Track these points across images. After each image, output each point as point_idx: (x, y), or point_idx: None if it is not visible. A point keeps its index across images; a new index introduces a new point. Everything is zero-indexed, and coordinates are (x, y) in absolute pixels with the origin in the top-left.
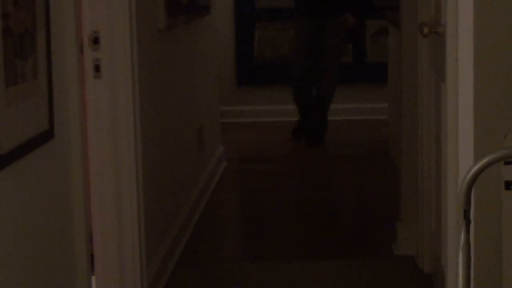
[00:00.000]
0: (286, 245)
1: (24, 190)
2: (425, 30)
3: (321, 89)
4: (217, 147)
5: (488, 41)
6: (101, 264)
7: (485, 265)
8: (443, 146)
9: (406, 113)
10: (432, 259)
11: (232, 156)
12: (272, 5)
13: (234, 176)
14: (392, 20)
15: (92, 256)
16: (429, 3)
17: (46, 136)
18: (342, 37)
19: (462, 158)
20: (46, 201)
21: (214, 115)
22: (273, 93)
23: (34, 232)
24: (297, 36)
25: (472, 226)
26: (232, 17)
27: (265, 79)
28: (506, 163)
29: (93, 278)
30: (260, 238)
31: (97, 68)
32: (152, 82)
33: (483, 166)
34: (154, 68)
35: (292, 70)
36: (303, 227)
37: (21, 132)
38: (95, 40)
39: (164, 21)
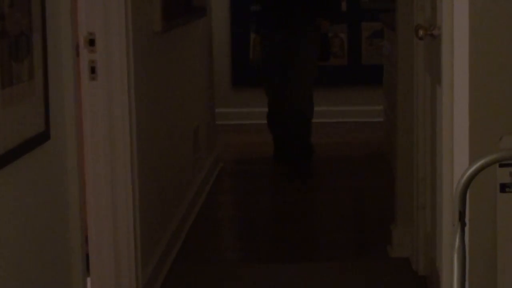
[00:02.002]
0: (281, 246)
1: (20, 191)
2: (421, 32)
3: (299, 105)
4: (213, 148)
5: (483, 44)
6: (96, 266)
7: (480, 267)
8: (438, 148)
9: (401, 115)
10: (427, 261)
11: (228, 157)
12: None
13: (229, 177)
14: (388, 22)
15: (87, 257)
16: (424, 6)
17: (42, 137)
18: (317, 46)
19: (458, 160)
20: (42, 202)
21: (209, 117)
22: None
23: (30, 233)
24: (266, 53)
25: (467, 228)
26: (228, 19)
27: (261, 80)
28: (501, 165)
29: (89, 280)
30: (255, 240)
31: (93, 70)
32: (147, 84)
33: (478, 168)
34: (150, 69)
35: (268, 91)
36: (299, 229)
37: (17, 133)
38: (91, 42)
39: (160, 23)
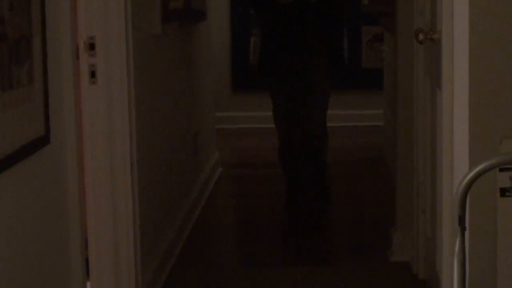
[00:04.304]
0: (281, 250)
1: (20, 195)
2: (421, 36)
3: (313, 132)
4: (213, 153)
5: (483, 48)
6: (96, 270)
7: (480, 271)
8: (438, 152)
9: (401, 119)
10: (427, 265)
11: (227, 162)
12: None
13: (229, 182)
14: (388, 26)
15: (87, 261)
16: (424, 10)
17: (42, 141)
18: (327, 69)
19: (458, 164)
20: (41, 206)
21: (209, 121)
22: (268, 99)
23: (29, 237)
24: (272, 75)
25: (467, 232)
26: (228, 23)
27: (260, 85)
28: (501, 169)
29: (88, 284)
30: (255, 244)
31: (92, 74)
32: (147, 88)
33: (478, 172)
34: (150, 73)
35: (278, 122)
36: (299, 233)
37: (17, 137)
38: (91, 46)
39: (159, 26)
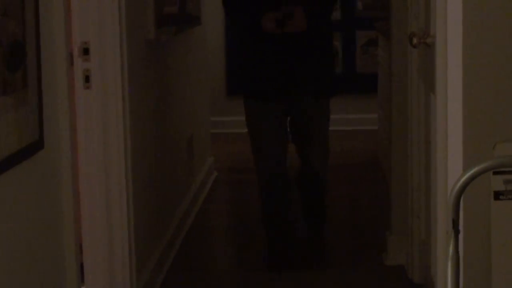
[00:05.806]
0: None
1: (14, 201)
2: (415, 40)
3: (312, 172)
4: (208, 157)
5: (477, 52)
6: (91, 274)
7: (474, 275)
8: (432, 156)
9: (395, 123)
10: (422, 269)
11: (223, 166)
12: None
13: (224, 186)
14: (382, 30)
15: (82, 266)
16: (418, 14)
17: (36, 146)
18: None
19: (452, 168)
20: (36, 211)
21: (204, 126)
22: None
23: (23, 243)
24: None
25: (461, 236)
26: (223, 28)
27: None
28: (495, 172)
29: None
30: (250, 248)
31: (87, 79)
32: (142, 93)
33: (472, 175)
34: (144, 78)
35: (261, 167)
36: (294, 237)
37: (11, 142)
38: (85, 51)
39: (153, 31)
